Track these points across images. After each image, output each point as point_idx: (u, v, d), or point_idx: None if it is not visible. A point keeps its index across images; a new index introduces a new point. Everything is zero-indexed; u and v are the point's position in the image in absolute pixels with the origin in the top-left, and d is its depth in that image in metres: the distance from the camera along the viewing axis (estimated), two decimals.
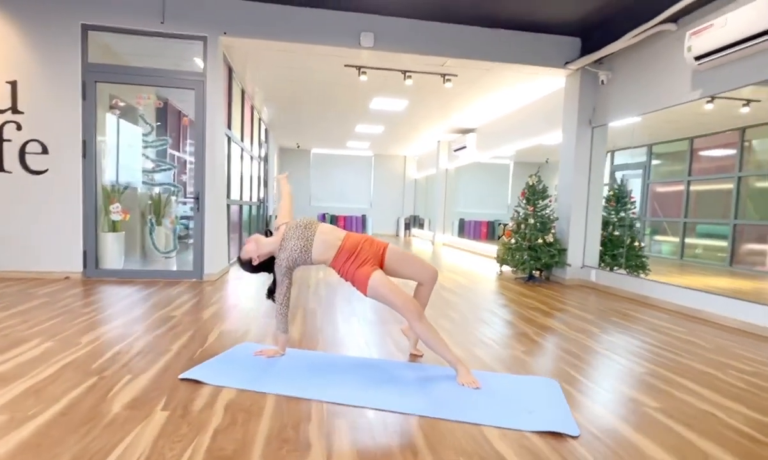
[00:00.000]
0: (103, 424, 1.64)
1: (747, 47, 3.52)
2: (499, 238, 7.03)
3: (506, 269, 6.46)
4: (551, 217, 5.64)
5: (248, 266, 2.48)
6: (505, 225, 6.79)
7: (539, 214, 5.61)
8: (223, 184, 5.22)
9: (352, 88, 6.83)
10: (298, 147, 12.92)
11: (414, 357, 2.57)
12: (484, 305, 4.16)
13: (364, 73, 5.71)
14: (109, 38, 4.78)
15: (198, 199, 4.78)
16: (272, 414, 1.78)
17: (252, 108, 7.95)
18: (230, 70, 5.87)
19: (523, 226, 5.60)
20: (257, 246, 2.43)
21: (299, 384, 2.07)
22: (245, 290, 4.37)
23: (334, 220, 13.79)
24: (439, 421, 1.78)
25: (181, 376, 2.11)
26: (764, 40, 3.38)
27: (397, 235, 14.42)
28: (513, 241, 5.68)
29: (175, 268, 5.16)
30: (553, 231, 5.54)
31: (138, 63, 4.99)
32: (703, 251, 7.70)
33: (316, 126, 10.12)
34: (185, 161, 7.02)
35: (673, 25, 4.39)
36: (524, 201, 5.73)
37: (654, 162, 8.50)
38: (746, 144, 6.86)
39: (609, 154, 6.99)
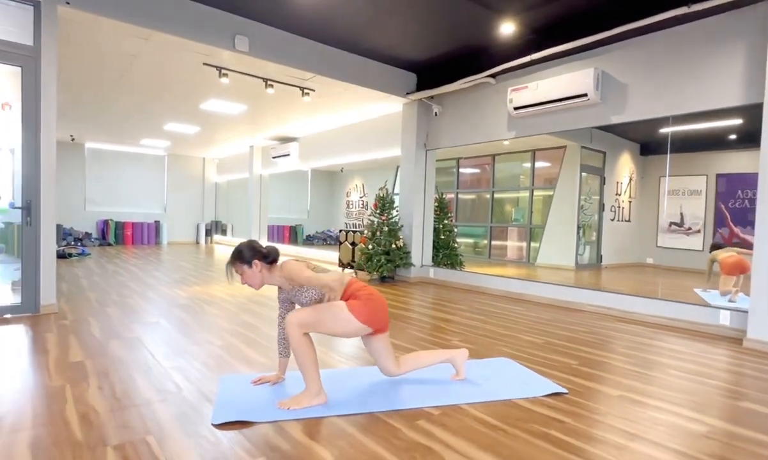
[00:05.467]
0: None
1: (547, 107, 5.04)
2: (326, 241, 7.55)
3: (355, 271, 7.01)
4: (398, 224, 6.50)
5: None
6: (348, 232, 7.37)
7: (390, 222, 6.39)
8: (54, 189, 4.12)
9: (192, 85, 6.21)
10: (73, 140, 10.47)
11: None
12: None
13: (226, 75, 5.36)
14: None
15: (29, 210, 3.68)
16: (364, 432, 1.86)
17: None
18: None
19: (378, 233, 6.28)
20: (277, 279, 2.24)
21: (351, 400, 2.15)
22: (116, 321, 3.64)
23: (119, 227, 11.69)
24: (484, 403, 2.19)
25: (216, 421, 1.89)
26: (557, 105, 4.94)
27: (198, 242, 13.27)
28: (370, 246, 6.30)
29: None
30: (401, 236, 6.40)
31: None
32: (468, 247, 10.01)
33: (120, 120, 8.53)
34: None
35: (492, 80, 5.77)
36: (378, 211, 6.42)
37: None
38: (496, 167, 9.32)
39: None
